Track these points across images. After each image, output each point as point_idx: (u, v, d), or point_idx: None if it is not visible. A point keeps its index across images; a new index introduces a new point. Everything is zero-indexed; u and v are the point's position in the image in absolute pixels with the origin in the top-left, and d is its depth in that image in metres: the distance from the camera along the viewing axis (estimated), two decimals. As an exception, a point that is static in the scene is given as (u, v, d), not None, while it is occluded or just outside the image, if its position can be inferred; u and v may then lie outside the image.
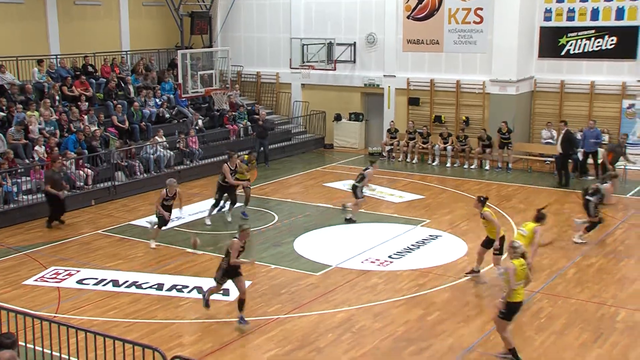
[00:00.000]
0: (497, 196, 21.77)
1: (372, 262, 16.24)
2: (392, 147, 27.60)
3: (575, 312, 13.52)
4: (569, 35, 26.23)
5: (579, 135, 24.36)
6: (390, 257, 16.49)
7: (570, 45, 26.27)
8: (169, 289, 14.65)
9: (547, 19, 26.61)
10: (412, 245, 17.33)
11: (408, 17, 28.26)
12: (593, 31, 25.81)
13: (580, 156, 24.19)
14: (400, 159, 27.16)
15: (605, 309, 13.56)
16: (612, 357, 11.82)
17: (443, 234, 18.23)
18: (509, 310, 11.35)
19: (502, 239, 14.39)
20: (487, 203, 14.61)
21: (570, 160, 23.73)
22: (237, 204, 19.50)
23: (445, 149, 26.37)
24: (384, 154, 27.57)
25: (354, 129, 29.72)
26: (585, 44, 25.98)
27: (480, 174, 25.20)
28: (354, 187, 19.32)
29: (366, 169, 19.39)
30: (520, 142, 26.21)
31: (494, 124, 26.05)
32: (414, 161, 27.01)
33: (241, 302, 12.80)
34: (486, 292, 14.53)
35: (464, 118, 27.40)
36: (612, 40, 25.54)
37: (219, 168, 24.99)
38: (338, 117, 29.90)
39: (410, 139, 27.25)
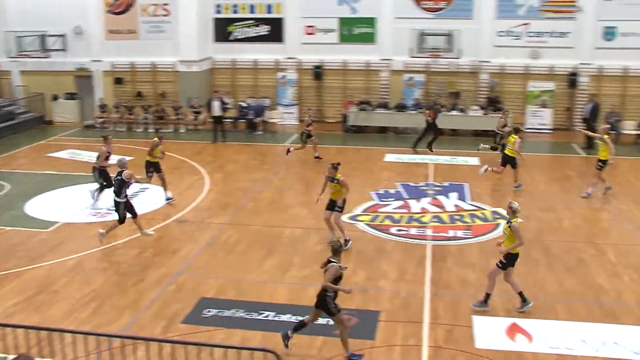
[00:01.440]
0: (191, 152, 21.95)
1: (94, 215, 15.70)
2: (103, 119, 26.43)
3: (253, 235, 14.23)
4: (235, 24, 26.91)
5: (249, 101, 25.33)
6: (109, 209, 15.90)
7: (237, 32, 26.99)
8: None
9: (218, 12, 26.97)
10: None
11: (108, 12, 27.02)
12: (252, 21, 26.74)
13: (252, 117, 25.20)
14: (111, 129, 26.01)
15: (274, 230, 14.47)
16: (282, 262, 12.75)
17: (151, 186, 17.96)
18: (509, 261, 10.36)
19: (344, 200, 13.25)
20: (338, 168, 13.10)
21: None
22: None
23: (146, 117, 25.87)
24: (97, 125, 26.32)
25: (70, 107, 27.82)
26: (247, 31, 26.85)
27: (176, 135, 25.10)
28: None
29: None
30: (205, 108, 26.46)
31: (184, 95, 26.19)
32: (122, 129, 26.08)
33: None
34: (189, 229, 14.80)
35: (160, 92, 27.01)
36: (267, 28, 26.71)
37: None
38: (55, 97, 27.83)
39: (118, 112, 26.33)
